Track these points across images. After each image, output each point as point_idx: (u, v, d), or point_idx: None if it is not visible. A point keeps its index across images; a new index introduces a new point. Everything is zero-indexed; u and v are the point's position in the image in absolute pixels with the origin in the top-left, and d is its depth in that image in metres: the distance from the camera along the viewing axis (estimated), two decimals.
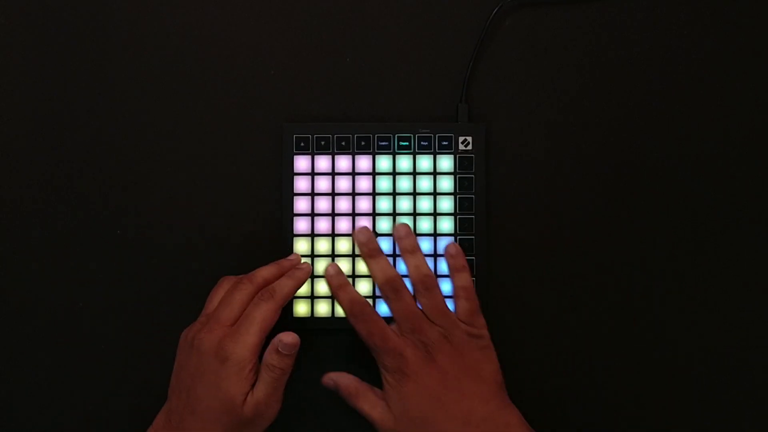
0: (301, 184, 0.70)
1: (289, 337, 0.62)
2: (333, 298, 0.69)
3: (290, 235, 0.70)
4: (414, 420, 0.62)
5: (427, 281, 0.65)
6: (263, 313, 0.62)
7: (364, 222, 0.70)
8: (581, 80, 0.72)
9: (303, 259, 0.69)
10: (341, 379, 0.66)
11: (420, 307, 0.65)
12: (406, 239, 0.67)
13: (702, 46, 0.72)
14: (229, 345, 0.60)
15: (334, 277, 0.66)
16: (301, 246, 0.69)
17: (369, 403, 0.64)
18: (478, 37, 0.71)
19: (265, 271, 0.65)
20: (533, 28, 0.72)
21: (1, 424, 0.71)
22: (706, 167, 0.71)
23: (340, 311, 0.69)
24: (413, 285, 0.66)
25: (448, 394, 0.62)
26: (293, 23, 0.72)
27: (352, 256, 0.69)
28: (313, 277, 0.69)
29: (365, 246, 0.67)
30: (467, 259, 0.69)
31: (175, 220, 0.71)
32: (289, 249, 0.69)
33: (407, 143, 0.70)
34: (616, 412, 0.70)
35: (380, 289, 0.65)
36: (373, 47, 0.72)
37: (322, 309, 0.69)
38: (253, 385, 0.61)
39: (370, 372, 0.70)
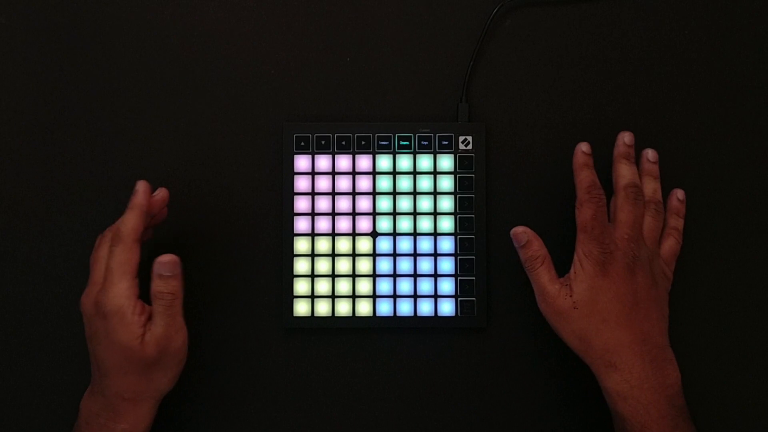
0: (302, 183, 0.70)
1: (165, 258, 0.61)
2: (332, 297, 0.69)
3: (290, 235, 0.70)
4: (594, 313, 0.62)
5: (660, 207, 0.67)
6: (119, 258, 0.61)
7: (364, 222, 0.70)
8: (581, 80, 0.72)
9: (300, 260, 0.69)
10: (533, 243, 0.65)
11: None
12: (652, 164, 0.68)
13: (702, 46, 0.72)
14: (102, 300, 0.60)
15: (582, 155, 0.66)
16: (301, 245, 0.69)
17: (549, 276, 0.64)
18: (478, 37, 0.71)
19: (126, 219, 0.63)
20: (533, 28, 0.72)
21: (1, 424, 0.71)
22: (706, 167, 0.71)
23: (340, 311, 0.69)
24: (647, 202, 0.67)
25: (637, 308, 0.62)
26: (293, 23, 0.72)
27: (352, 255, 0.69)
28: (313, 276, 0.69)
29: (625, 148, 0.67)
30: (467, 259, 0.69)
31: (175, 220, 0.71)
32: (290, 249, 0.69)
33: (407, 143, 0.70)
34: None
35: (623, 190, 0.65)
36: (373, 47, 0.72)
37: (322, 309, 0.69)
38: (145, 327, 0.61)
39: (371, 371, 0.70)
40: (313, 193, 0.70)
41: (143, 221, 0.63)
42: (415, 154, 0.70)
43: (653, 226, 0.66)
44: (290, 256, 0.69)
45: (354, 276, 0.69)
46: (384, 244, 0.70)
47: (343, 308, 0.69)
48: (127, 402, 0.61)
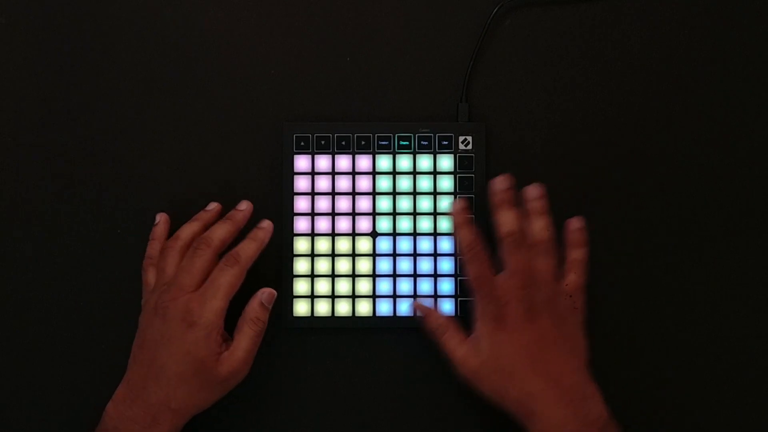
0: (301, 183, 0.70)
1: (271, 291, 0.64)
2: (332, 297, 0.69)
3: (290, 235, 0.70)
4: (500, 369, 0.62)
5: (549, 245, 0.66)
6: (229, 279, 0.63)
7: (364, 222, 0.70)
8: (581, 80, 0.72)
9: (299, 260, 0.69)
10: (432, 313, 0.66)
11: None
12: (535, 201, 0.67)
13: (701, 46, 0.72)
14: (196, 309, 0.61)
15: (459, 213, 0.66)
16: (301, 245, 0.69)
17: (455, 342, 0.64)
18: (478, 37, 0.71)
19: (219, 231, 0.66)
20: (533, 28, 0.72)
21: (1, 423, 0.71)
22: (706, 167, 0.71)
23: (340, 311, 0.69)
24: (534, 244, 0.66)
25: (542, 354, 0.62)
26: (293, 23, 0.72)
27: (352, 255, 0.69)
28: (312, 276, 0.69)
29: (502, 195, 0.66)
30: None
31: (175, 220, 0.70)
32: (289, 249, 0.69)
33: (407, 143, 0.70)
34: (616, 411, 0.70)
35: (504, 239, 0.65)
36: (373, 47, 0.72)
37: (322, 309, 0.69)
38: (221, 347, 0.62)
39: (371, 371, 0.70)
40: (313, 193, 0.70)
41: (258, 254, 0.65)
42: (414, 154, 0.70)
43: (545, 266, 0.65)
44: (290, 256, 0.69)
45: (354, 276, 0.69)
46: (384, 244, 0.69)
47: (343, 308, 0.69)
48: (171, 412, 0.61)
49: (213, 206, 0.69)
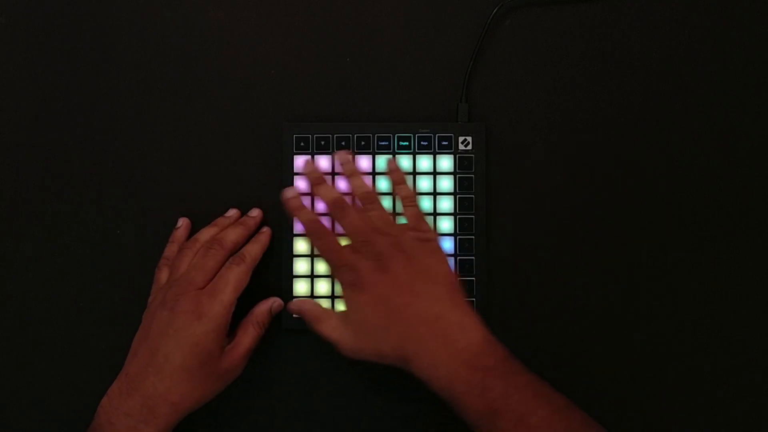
0: (302, 183, 0.70)
1: (279, 301, 0.68)
2: (332, 298, 0.69)
3: (290, 235, 0.70)
4: (371, 332, 0.62)
5: (370, 196, 0.67)
6: (237, 275, 0.65)
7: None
8: (581, 80, 0.72)
9: (299, 260, 0.69)
10: (304, 305, 0.67)
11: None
12: (344, 166, 0.69)
13: (701, 46, 0.72)
14: (206, 302, 0.63)
15: (292, 200, 0.68)
16: (300, 246, 0.69)
17: (329, 327, 0.64)
18: (478, 37, 0.71)
19: (233, 234, 0.68)
20: (533, 28, 0.72)
21: (1, 423, 0.71)
22: (706, 167, 0.71)
23: (340, 310, 0.69)
24: (359, 201, 0.68)
25: (400, 297, 0.62)
26: (293, 23, 0.72)
27: None
28: (312, 277, 0.69)
29: (311, 175, 0.69)
30: (467, 259, 0.69)
31: (175, 220, 0.71)
32: (289, 249, 0.69)
33: (407, 143, 0.70)
34: (616, 411, 0.70)
35: (328, 210, 0.67)
36: (373, 47, 0.72)
37: None
38: (225, 340, 0.64)
39: (371, 372, 0.70)
40: (313, 194, 0.70)
41: (261, 255, 0.68)
42: (414, 154, 0.70)
43: (377, 215, 0.67)
44: (290, 256, 0.69)
45: None
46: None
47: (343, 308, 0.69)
48: (170, 405, 0.62)
49: (232, 212, 0.71)
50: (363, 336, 0.63)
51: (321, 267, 0.69)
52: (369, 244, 0.64)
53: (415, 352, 0.60)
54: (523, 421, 0.57)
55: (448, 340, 0.60)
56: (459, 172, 0.70)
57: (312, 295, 0.69)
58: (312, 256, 0.69)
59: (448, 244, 0.69)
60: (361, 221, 0.66)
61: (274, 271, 0.70)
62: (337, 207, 0.67)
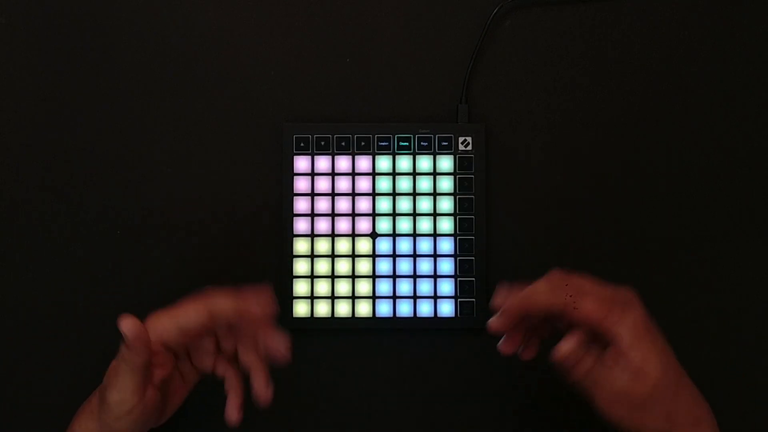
0: (301, 184, 0.70)
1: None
2: (332, 298, 0.69)
3: (290, 235, 0.70)
4: (676, 382, 0.56)
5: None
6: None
7: (364, 222, 0.70)
8: (581, 80, 0.72)
9: (299, 261, 0.69)
10: (588, 300, 0.56)
11: None
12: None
13: (702, 46, 0.72)
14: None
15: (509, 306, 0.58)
16: (300, 246, 0.69)
17: (605, 370, 0.56)
18: (478, 37, 0.71)
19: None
20: (533, 28, 0.72)
21: (1, 423, 0.71)
22: (706, 167, 0.71)
23: (340, 312, 0.69)
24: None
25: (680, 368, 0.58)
26: (293, 23, 0.72)
27: (352, 256, 0.70)
28: (312, 277, 0.69)
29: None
30: (467, 259, 0.69)
31: (174, 221, 0.71)
32: (289, 249, 0.69)
33: (407, 143, 0.70)
34: None
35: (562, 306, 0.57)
36: (373, 47, 0.72)
37: (322, 310, 0.69)
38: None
39: (371, 372, 0.71)
40: (312, 194, 0.70)
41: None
42: (414, 154, 0.70)
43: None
44: (290, 256, 0.69)
45: (353, 277, 0.69)
46: (383, 245, 0.70)
47: (343, 309, 0.69)
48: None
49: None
50: (668, 389, 0.56)
51: (321, 268, 0.69)
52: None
53: (706, 420, 0.57)
54: None
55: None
56: (459, 172, 0.70)
57: (312, 295, 0.69)
58: (312, 257, 0.69)
59: (448, 245, 0.70)
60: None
61: (273, 272, 0.70)
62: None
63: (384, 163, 0.70)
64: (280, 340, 0.58)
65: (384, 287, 0.69)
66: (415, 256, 0.70)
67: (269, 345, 0.58)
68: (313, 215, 0.70)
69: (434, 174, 0.70)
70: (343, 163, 0.70)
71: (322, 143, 0.70)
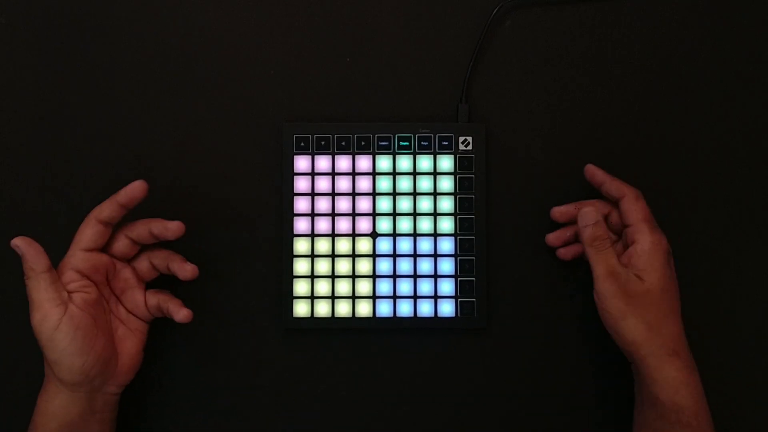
0: (301, 184, 0.70)
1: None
2: (332, 298, 0.69)
3: (290, 235, 0.70)
4: (665, 300, 0.62)
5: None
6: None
7: (364, 222, 0.70)
8: (581, 80, 0.72)
9: (299, 261, 0.69)
10: (603, 221, 0.64)
11: None
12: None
13: (702, 46, 0.72)
14: None
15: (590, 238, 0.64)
16: (301, 246, 0.69)
17: (616, 258, 0.63)
18: (478, 37, 0.71)
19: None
20: (533, 28, 0.72)
21: (1, 423, 0.71)
22: (707, 166, 0.71)
23: (340, 311, 0.69)
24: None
25: (679, 302, 0.64)
26: (293, 23, 0.72)
27: (352, 256, 0.69)
28: (312, 277, 0.69)
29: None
30: (467, 259, 0.69)
31: (174, 220, 0.71)
32: (289, 249, 0.69)
33: (407, 143, 0.70)
34: (616, 410, 0.70)
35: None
36: (373, 47, 0.72)
37: (322, 310, 0.69)
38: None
39: (371, 372, 0.71)
40: (312, 194, 0.70)
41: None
42: (415, 154, 0.70)
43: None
44: (290, 256, 0.69)
45: (354, 277, 0.69)
46: (384, 245, 0.70)
47: (343, 309, 0.69)
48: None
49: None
50: (654, 299, 0.62)
51: (321, 268, 0.69)
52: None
53: (684, 351, 0.62)
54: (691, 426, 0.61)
55: (678, 326, 0.63)
56: (459, 172, 0.70)
57: (312, 295, 0.69)
58: (312, 256, 0.69)
59: (448, 245, 0.69)
60: None
61: (274, 272, 0.70)
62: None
63: (384, 162, 0.70)
64: (167, 222, 0.64)
65: (384, 287, 0.69)
66: (415, 255, 0.70)
67: (159, 226, 0.64)
68: (313, 215, 0.70)
69: (434, 174, 0.70)
70: (343, 162, 0.70)
71: (322, 143, 0.70)
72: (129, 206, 0.64)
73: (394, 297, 0.69)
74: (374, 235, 0.70)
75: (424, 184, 0.70)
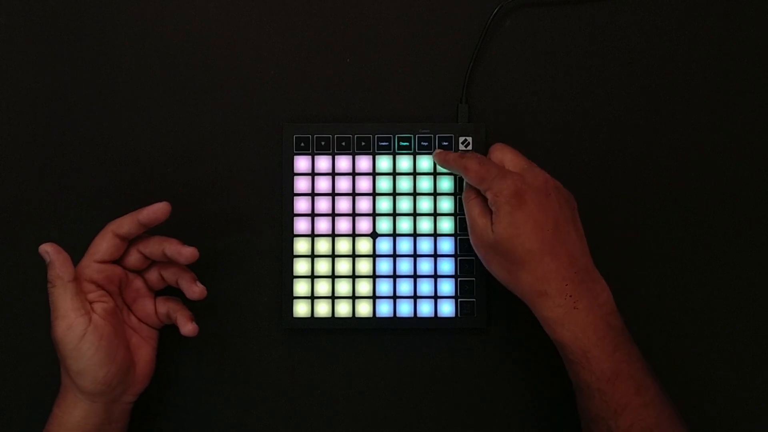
0: (301, 184, 0.70)
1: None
2: (332, 298, 0.69)
3: (290, 235, 0.70)
4: (517, 246, 0.60)
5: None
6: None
7: (364, 222, 0.70)
8: (581, 80, 0.72)
9: (299, 261, 0.69)
10: (472, 161, 0.63)
11: None
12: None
13: (702, 46, 0.72)
14: None
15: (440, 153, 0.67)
16: (301, 246, 0.69)
17: (480, 209, 0.63)
18: (478, 37, 0.71)
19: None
20: (533, 28, 0.72)
21: (1, 423, 0.71)
22: (707, 166, 0.71)
23: (340, 312, 0.69)
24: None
25: (557, 232, 0.61)
26: (293, 23, 0.72)
27: (352, 256, 0.70)
28: (312, 277, 0.69)
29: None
30: (467, 259, 0.69)
31: (175, 220, 0.70)
32: (289, 249, 0.69)
33: (407, 143, 0.70)
34: None
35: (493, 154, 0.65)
36: (373, 47, 0.72)
37: (322, 310, 0.69)
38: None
39: (371, 372, 0.71)
40: (313, 194, 0.70)
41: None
42: (415, 154, 0.70)
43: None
44: (290, 256, 0.69)
45: (354, 277, 0.69)
46: (384, 245, 0.70)
47: (343, 309, 0.69)
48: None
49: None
50: (506, 248, 0.61)
51: (321, 268, 0.69)
52: (537, 168, 0.63)
53: (555, 289, 0.60)
54: (639, 392, 0.59)
55: (592, 292, 0.61)
56: None
57: (312, 295, 0.69)
58: (312, 257, 0.69)
59: (448, 245, 0.70)
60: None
61: (274, 272, 0.70)
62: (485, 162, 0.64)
63: (384, 163, 0.70)
64: (180, 245, 0.64)
65: (384, 287, 0.69)
66: (415, 256, 0.70)
67: (172, 250, 0.63)
68: (313, 215, 0.70)
69: (434, 174, 0.70)
70: (343, 163, 0.70)
71: (323, 143, 0.70)
72: (149, 226, 0.64)
73: (394, 297, 0.69)
74: (374, 235, 0.70)
75: (424, 184, 0.70)
